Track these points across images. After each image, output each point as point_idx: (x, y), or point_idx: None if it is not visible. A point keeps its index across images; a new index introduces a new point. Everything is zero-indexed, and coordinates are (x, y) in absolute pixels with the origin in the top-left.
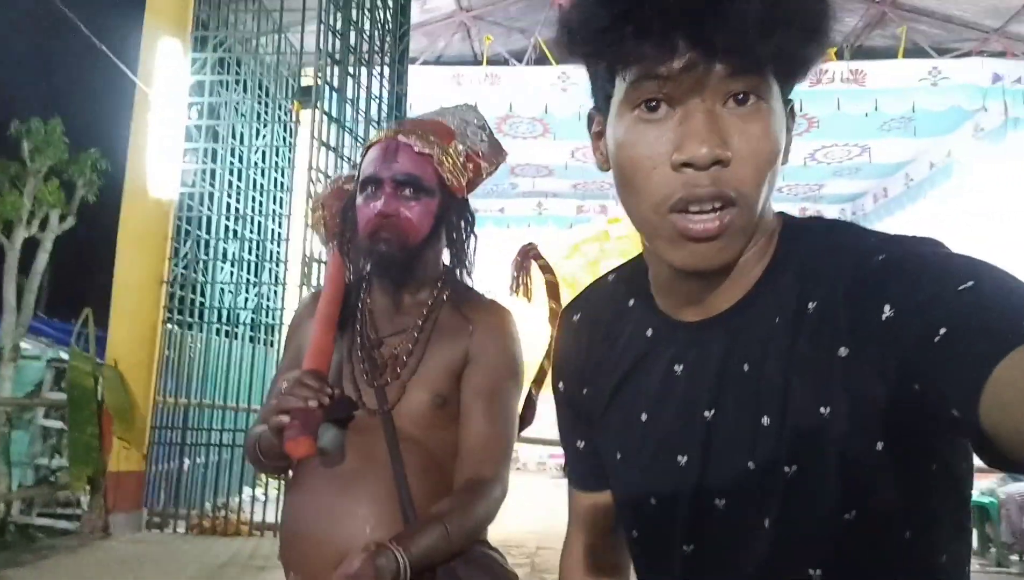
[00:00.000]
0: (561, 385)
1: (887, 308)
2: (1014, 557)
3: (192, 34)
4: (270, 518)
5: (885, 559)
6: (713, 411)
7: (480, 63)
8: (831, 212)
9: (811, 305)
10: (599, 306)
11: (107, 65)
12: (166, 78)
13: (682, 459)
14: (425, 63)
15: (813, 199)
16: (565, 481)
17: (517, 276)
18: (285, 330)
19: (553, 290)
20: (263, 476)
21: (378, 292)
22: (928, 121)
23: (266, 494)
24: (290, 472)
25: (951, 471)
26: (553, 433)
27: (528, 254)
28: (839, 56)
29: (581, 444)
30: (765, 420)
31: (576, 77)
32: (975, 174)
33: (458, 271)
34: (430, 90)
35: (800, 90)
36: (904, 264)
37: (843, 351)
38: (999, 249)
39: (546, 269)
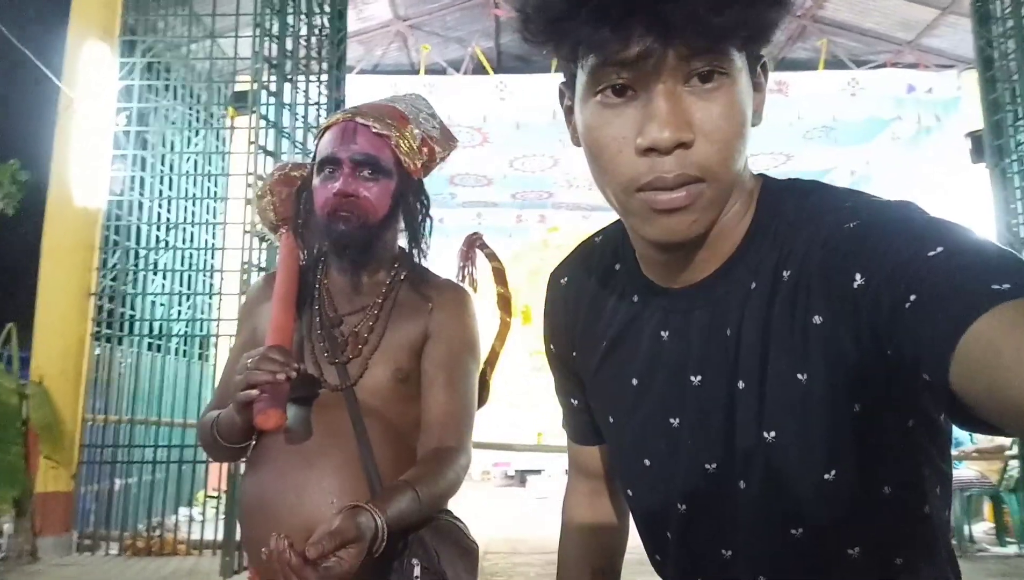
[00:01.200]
0: (552, 346)
1: (858, 276)
2: None
3: (120, 38)
4: (208, 536)
5: (867, 515)
6: (700, 377)
7: (417, 72)
8: None
9: (786, 273)
10: (586, 269)
11: (29, 70)
12: (92, 83)
13: (674, 421)
14: (362, 72)
15: None
16: (510, 489)
17: (463, 265)
18: (220, 343)
19: (500, 276)
20: (199, 495)
21: (336, 272)
22: (848, 130)
23: (203, 513)
24: (242, 460)
25: (929, 424)
26: (500, 437)
27: (474, 243)
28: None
29: (575, 402)
30: (741, 385)
31: (514, 87)
32: (893, 180)
33: (415, 252)
34: (367, 99)
35: None
36: (874, 231)
37: (817, 319)
38: None
39: (492, 257)
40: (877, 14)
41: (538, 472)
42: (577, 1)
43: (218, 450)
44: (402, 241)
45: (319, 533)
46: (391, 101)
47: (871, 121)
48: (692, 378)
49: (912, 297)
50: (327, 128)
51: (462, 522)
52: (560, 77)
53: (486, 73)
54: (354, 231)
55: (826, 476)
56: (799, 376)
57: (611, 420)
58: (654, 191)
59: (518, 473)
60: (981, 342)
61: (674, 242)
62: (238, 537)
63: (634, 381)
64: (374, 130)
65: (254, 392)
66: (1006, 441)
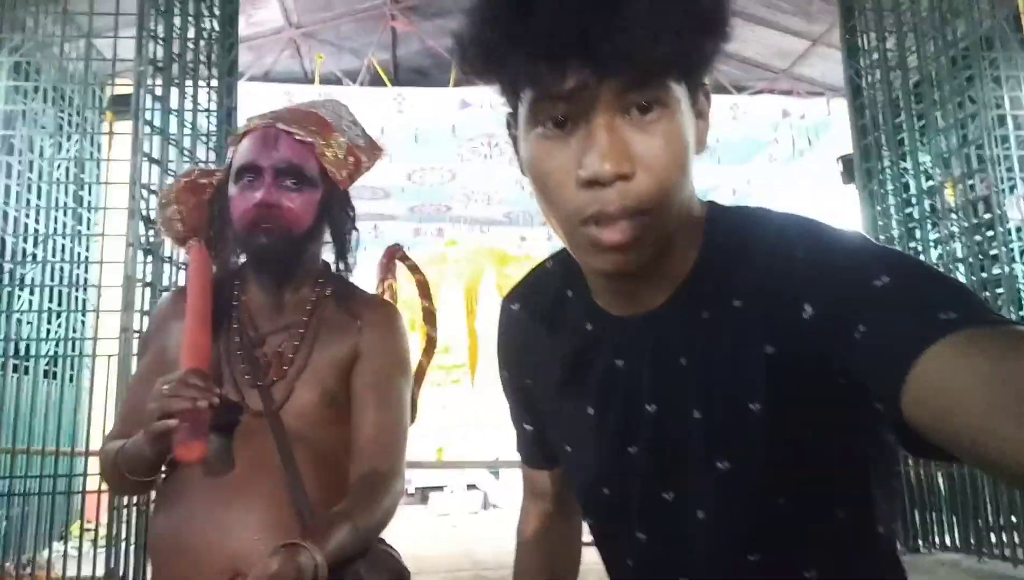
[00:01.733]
0: (506, 373)
1: (807, 307)
2: None
3: None
4: (85, 572)
5: (821, 538)
6: (655, 406)
7: (312, 81)
8: None
9: (736, 302)
10: (538, 296)
11: None
12: None
13: (632, 450)
14: (252, 78)
15: None
16: (412, 507)
17: (384, 278)
18: (94, 364)
19: (424, 289)
20: (74, 527)
21: (255, 288)
22: (729, 151)
23: (79, 548)
24: (152, 492)
25: (880, 446)
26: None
27: (394, 255)
28: None
29: (528, 427)
30: (696, 414)
31: (413, 100)
32: (771, 199)
33: (341, 265)
34: (260, 106)
35: None
36: (821, 260)
37: (769, 349)
38: None
39: (415, 269)
40: (756, 44)
41: (440, 489)
42: (513, 35)
43: (123, 484)
44: (326, 255)
45: (257, 575)
46: (311, 107)
47: (750, 143)
48: (647, 407)
49: (862, 327)
50: (245, 134)
51: (394, 549)
52: (457, 92)
53: (383, 85)
54: (276, 244)
55: (779, 501)
56: (751, 406)
57: (568, 449)
58: (598, 226)
59: (419, 490)
60: (930, 372)
61: (619, 274)
62: (123, 573)
63: (590, 410)
64: (297, 137)
65: (172, 422)
66: None
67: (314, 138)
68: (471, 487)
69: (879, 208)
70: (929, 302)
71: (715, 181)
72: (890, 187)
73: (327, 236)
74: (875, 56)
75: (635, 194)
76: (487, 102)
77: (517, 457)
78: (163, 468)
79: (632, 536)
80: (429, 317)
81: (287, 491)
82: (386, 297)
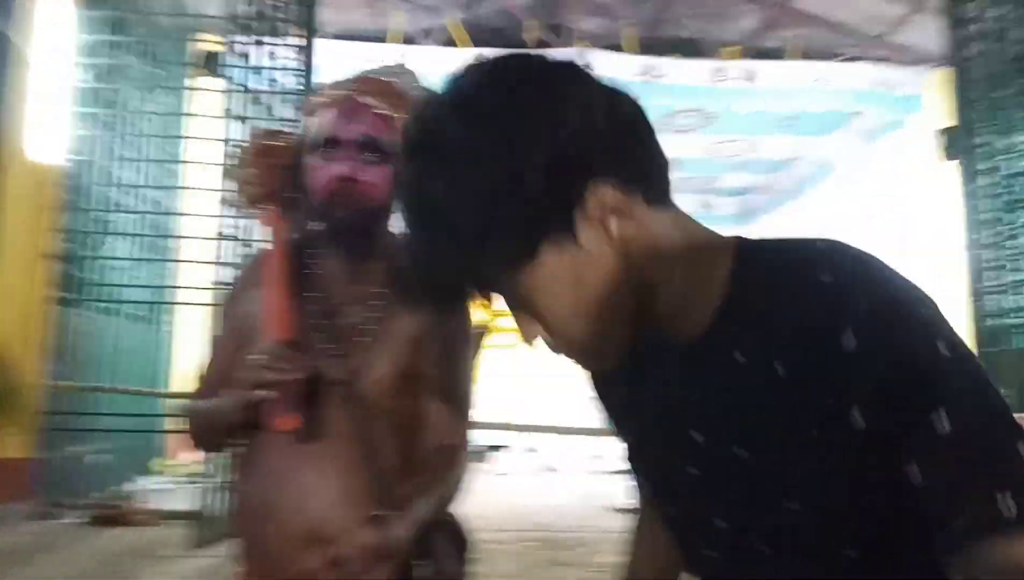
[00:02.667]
0: (592, 393)
1: (857, 414)
2: None
3: None
4: (170, 506)
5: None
6: (703, 436)
7: (389, 41)
8: (724, 204)
9: (780, 368)
10: None
11: None
12: (50, 37)
13: (692, 471)
14: (332, 36)
15: (711, 192)
16: (482, 466)
17: None
18: (179, 311)
19: None
20: (160, 463)
21: (332, 258)
22: (811, 122)
23: (164, 483)
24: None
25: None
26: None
27: None
28: (742, 55)
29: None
30: (744, 453)
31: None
32: (853, 173)
33: None
34: (337, 66)
35: (701, 87)
36: (873, 362)
37: (815, 432)
38: (873, 242)
39: None
40: (848, 8)
41: (499, 448)
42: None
43: (209, 441)
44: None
45: (352, 549)
46: (387, 75)
47: (834, 114)
48: (694, 434)
49: (917, 472)
50: (324, 103)
51: (457, 516)
52: (540, 51)
53: (459, 46)
54: (355, 218)
55: (848, 552)
56: (787, 504)
57: (634, 468)
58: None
59: (479, 449)
60: (983, 562)
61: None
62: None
63: (644, 428)
64: (378, 111)
65: (266, 393)
66: None
67: (393, 111)
68: (531, 450)
69: (977, 185)
70: (990, 475)
71: (794, 152)
72: (989, 165)
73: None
74: (980, 25)
75: (563, 349)
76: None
77: (577, 422)
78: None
79: (701, 551)
80: None
81: (364, 459)
82: None
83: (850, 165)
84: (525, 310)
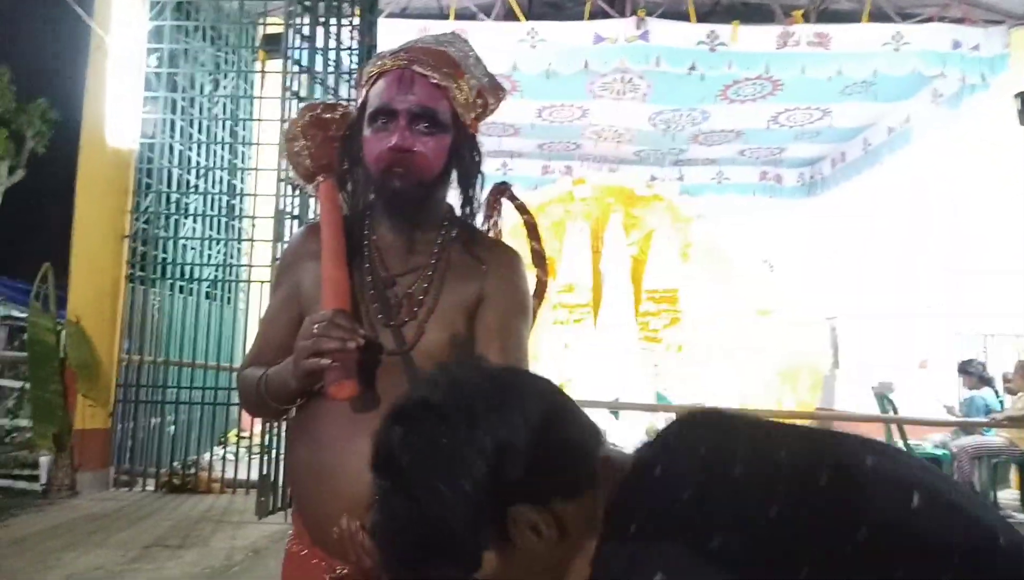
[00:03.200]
0: None
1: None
2: None
3: None
4: (241, 476)
5: None
6: None
7: (447, 17)
8: (790, 176)
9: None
10: None
11: (58, 10)
12: (124, 23)
13: None
14: (391, 15)
15: (774, 163)
16: None
17: (490, 216)
18: (248, 289)
19: (533, 230)
20: (231, 434)
21: (386, 229)
22: (888, 86)
23: (236, 454)
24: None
25: None
26: None
27: (502, 193)
28: (806, 19)
29: None
30: None
31: (545, 34)
32: (933, 139)
33: (466, 209)
34: (396, 43)
35: (767, 52)
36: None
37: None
38: (949, 215)
39: (523, 209)
40: None
41: None
42: None
43: (263, 409)
44: (452, 197)
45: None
46: (439, 44)
47: (913, 77)
48: None
49: None
50: (379, 74)
51: None
52: (591, 26)
53: (517, 19)
54: (409, 188)
55: None
56: None
57: None
58: None
59: None
60: None
61: None
62: (274, 478)
63: None
64: (432, 80)
65: (324, 361)
66: None
67: (448, 81)
68: None
69: None
70: None
71: (871, 118)
72: None
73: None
74: None
75: None
76: (621, 35)
77: (636, 398)
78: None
79: None
80: (538, 258)
81: None
82: (491, 235)
83: (928, 131)
84: None
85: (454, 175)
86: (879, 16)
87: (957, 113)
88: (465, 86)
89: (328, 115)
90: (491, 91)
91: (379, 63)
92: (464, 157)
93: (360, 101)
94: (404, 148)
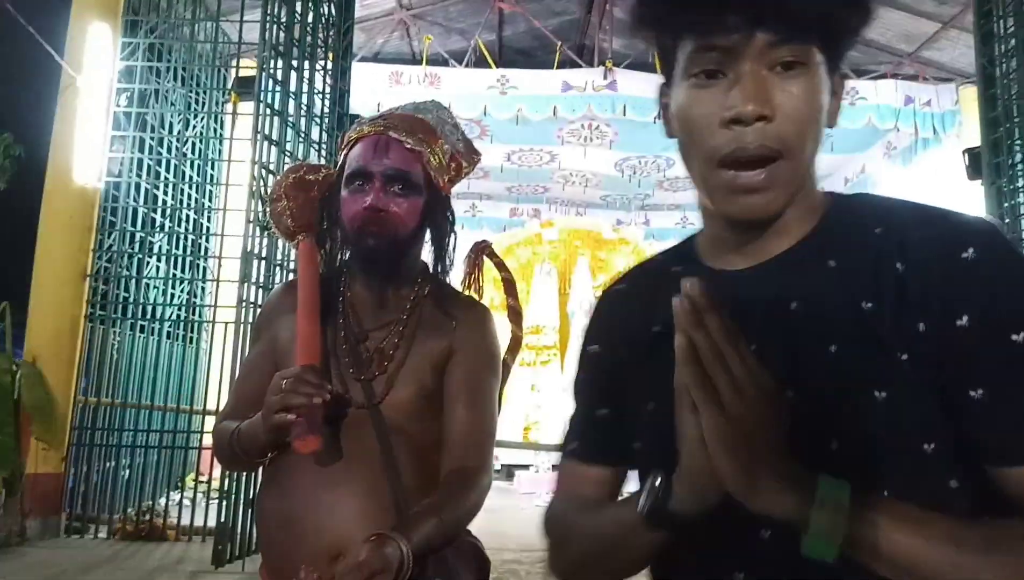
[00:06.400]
0: (596, 347)
1: (965, 317)
2: None
3: (123, 18)
4: (198, 522)
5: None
6: (754, 346)
7: (419, 62)
8: None
9: (900, 265)
10: (642, 278)
11: (31, 47)
12: (94, 63)
13: None
14: (363, 59)
15: None
16: (507, 484)
17: (471, 272)
18: (212, 330)
19: (510, 287)
20: (188, 479)
21: (360, 286)
22: (845, 138)
23: (193, 499)
24: (259, 470)
25: None
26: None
27: (482, 251)
28: None
29: (603, 412)
30: (832, 348)
31: (515, 81)
32: (886, 191)
33: (439, 267)
34: (368, 87)
35: None
36: (988, 273)
37: (922, 326)
38: None
39: (501, 266)
40: (880, 25)
41: (526, 467)
42: None
43: (236, 462)
44: (426, 256)
45: (346, 565)
46: (417, 112)
47: (868, 130)
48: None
49: (980, 391)
50: (358, 139)
51: (478, 539)
52: (559, 74)
53: (488, 66)
54: (383, 246)
55: (925, 446)
56: (876, 394)
57: (651, 406)
58: (736, 170)
59: (504, 467)
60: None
61: (752, 220)
62: (232, 524)
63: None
64: (407, 146)
65: (290, 416)
66: None
67: (422, 146)
68: (556, 467)
69: (1007, 205)
70: None
71: (829, 168)
72: (1020, 184)
73: (427, 238)
74: (1011, 43)
75: (773, 135)
76: (590, 84)
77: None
78: (271, 451)
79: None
80: (514, 316)
81: (385, 481)
82: (471, 291)
83: (882, 182)
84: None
85: (428, 234)
86: None
87: (910, 165)
88: (439, 151)
89: (311, 176)
90: (466, 155)
91: (358, 129)
92: (437, 217)
93: (339, 164)
94: (378, 208)
